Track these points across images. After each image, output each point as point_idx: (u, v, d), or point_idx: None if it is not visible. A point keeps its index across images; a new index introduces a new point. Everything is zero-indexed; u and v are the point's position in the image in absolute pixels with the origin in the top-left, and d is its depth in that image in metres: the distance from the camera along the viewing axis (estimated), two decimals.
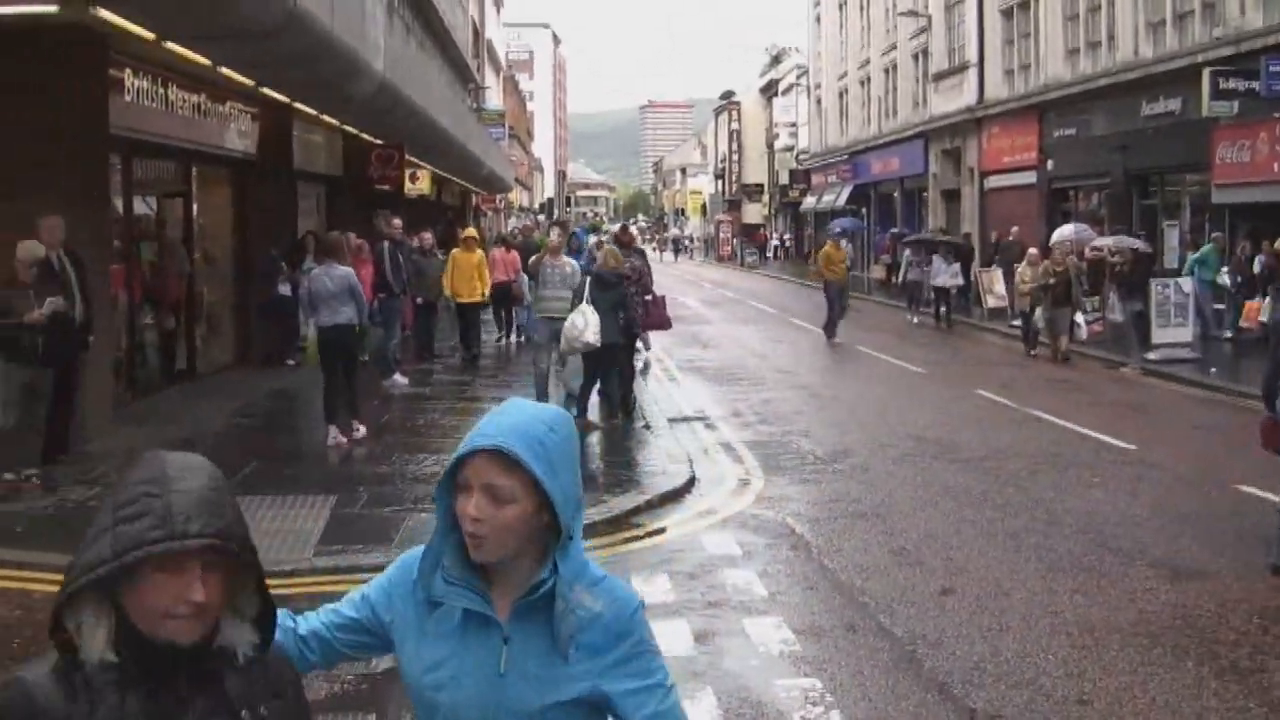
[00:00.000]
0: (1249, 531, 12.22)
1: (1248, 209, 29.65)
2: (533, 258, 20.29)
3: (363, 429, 16.70)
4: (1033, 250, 30.23)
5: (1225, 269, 28.47)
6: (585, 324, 17.03)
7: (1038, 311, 28.02)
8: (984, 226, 45.82)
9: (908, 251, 41.54)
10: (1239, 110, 28.16)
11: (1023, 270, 29.19)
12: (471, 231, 25.46)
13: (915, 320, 37.66)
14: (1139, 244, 30.79)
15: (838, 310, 32.31)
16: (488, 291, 25.58)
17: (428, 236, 26.52)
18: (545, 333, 18.44)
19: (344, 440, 16.25)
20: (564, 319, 17.61)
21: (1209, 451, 16.90)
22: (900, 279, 40.98)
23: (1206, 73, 28.30)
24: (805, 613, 9.78)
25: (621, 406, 18.56)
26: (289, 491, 13.28)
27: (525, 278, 25.38)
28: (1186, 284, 26.71)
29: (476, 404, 19.85)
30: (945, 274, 35.82)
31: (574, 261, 19.28)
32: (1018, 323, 33.15)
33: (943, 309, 35.97)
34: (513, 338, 29.11)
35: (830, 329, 32.00)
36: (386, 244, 22.78)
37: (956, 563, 11.17)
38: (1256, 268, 27.28)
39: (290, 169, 25.35)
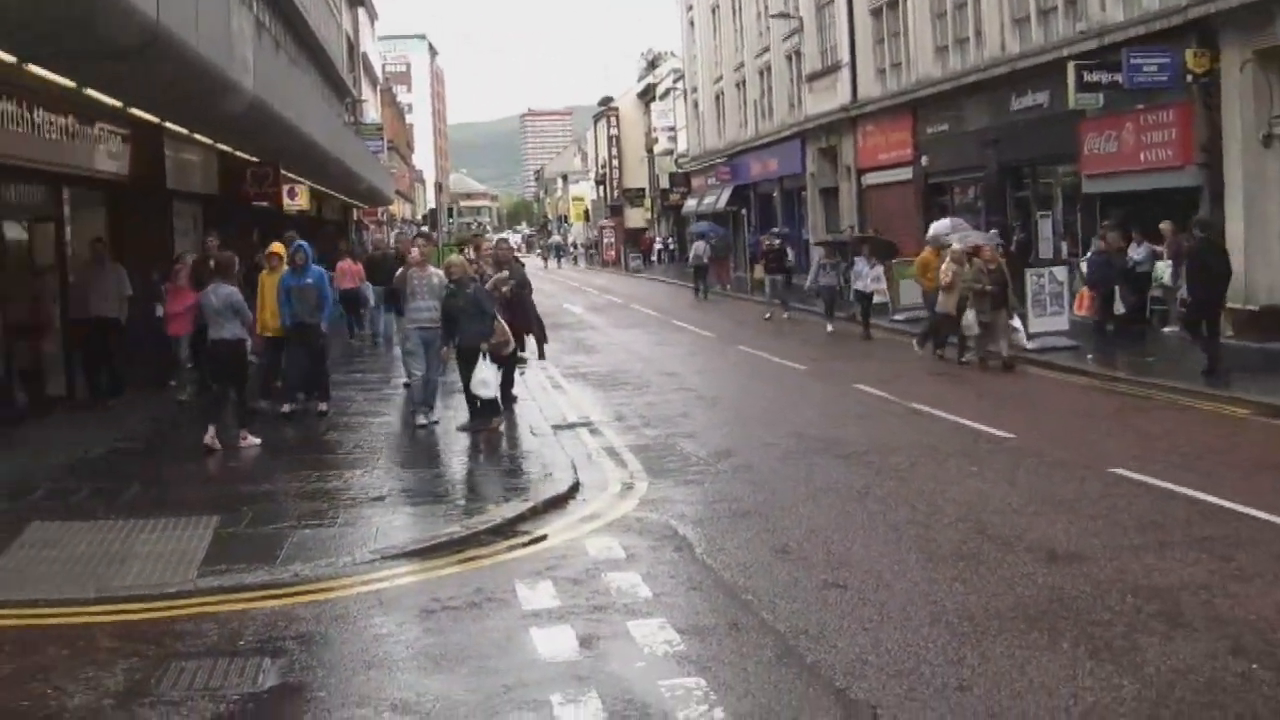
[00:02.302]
0: (1123, 512, 12.49)
1: (1117, 198, 30.18)
2: (399, 270, 20.32)
3: (255, 440, 17.29)
4: (956, 246, 27.38)
5: (1085, 259, 28.75)
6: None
7: (968, 316, 24.98)
8: (862, 224, 46.26)
9: (820, 253, 37.11)
10: (1104, 102, 28.63)
11: (946, 267, 26.31)
12: (278, 248, 21.19)
13: (831, 329, 33.40)
14: (986, 237, 30.82)
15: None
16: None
17: None
18: (416, 341, 18.93)
19: (216, 443, 16.90)
20: (434, 328, 18.64)
21: (1085, 436, 17.16)
22: (812, 283, 35.88)
23: (1071, 66, 28.75)
24: (689, 612, 9.82)
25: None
26: (171, 514, 13.14)
27: (369, 285, 30.98)
28: (1061, 273, 27.11)
29: (361, 419, 19.80)
30: (868, 277, 32.58)
31: (440, 273, 19.42)
32: (899, 317, 33.47)
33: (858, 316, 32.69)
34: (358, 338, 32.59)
35: (938, 340, 27.25)
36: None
37: (839, 557, 11.27)
38: (1139, 255, 27.58)
39: (164, 189, 25.07)
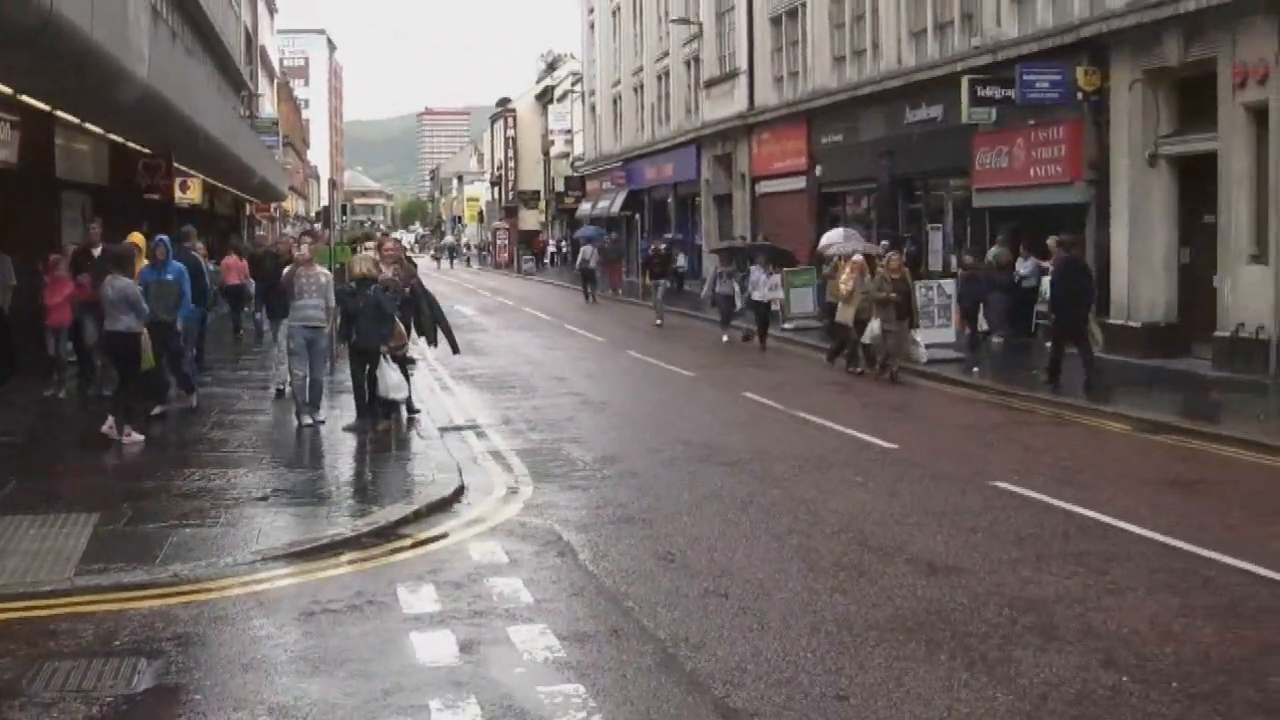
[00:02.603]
0: (1002, 525, 12.64)
1: (1007, 212, 30.58)
2: (286, 268, 20.06)
3: (138, 436, 17.15)
4: (857, 256, 26.84)
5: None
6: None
7: (873, 325, 24.35)
8: (755, 231, 46.48)
9: (717, 261, 36.96)
10: (997, 117, 29.00)
11: (846, 277, 25.79)
12: (137, 239, 19.74)
13: (727, 339, 32.98)
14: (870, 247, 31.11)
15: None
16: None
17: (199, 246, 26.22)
18: (300, 340, 18.69)
19: (115, 433, 16.88)
20: (319, 328, 18.66)
21: (968, 449, 17.37)
22: (708, 291, 35.71)
23: (965, 80, 29.12)
24: (570, 619, 9.82)
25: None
26: (50, 510, 12.95)
27: (252, 282, 30.58)
28: (949, 285, 27.37)
29: (247, 416, 19.60)
30: (765, 286, 31.67)
31: (326, 272, 19.48)
32: (789, 326, 33.57)
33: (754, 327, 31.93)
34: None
35: (837, 350, 26.96)
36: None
37: (720, 565, 11.31)
38: (1026, 270, 27.96)
39: (53, 179, 24.71)
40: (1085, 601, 10.06)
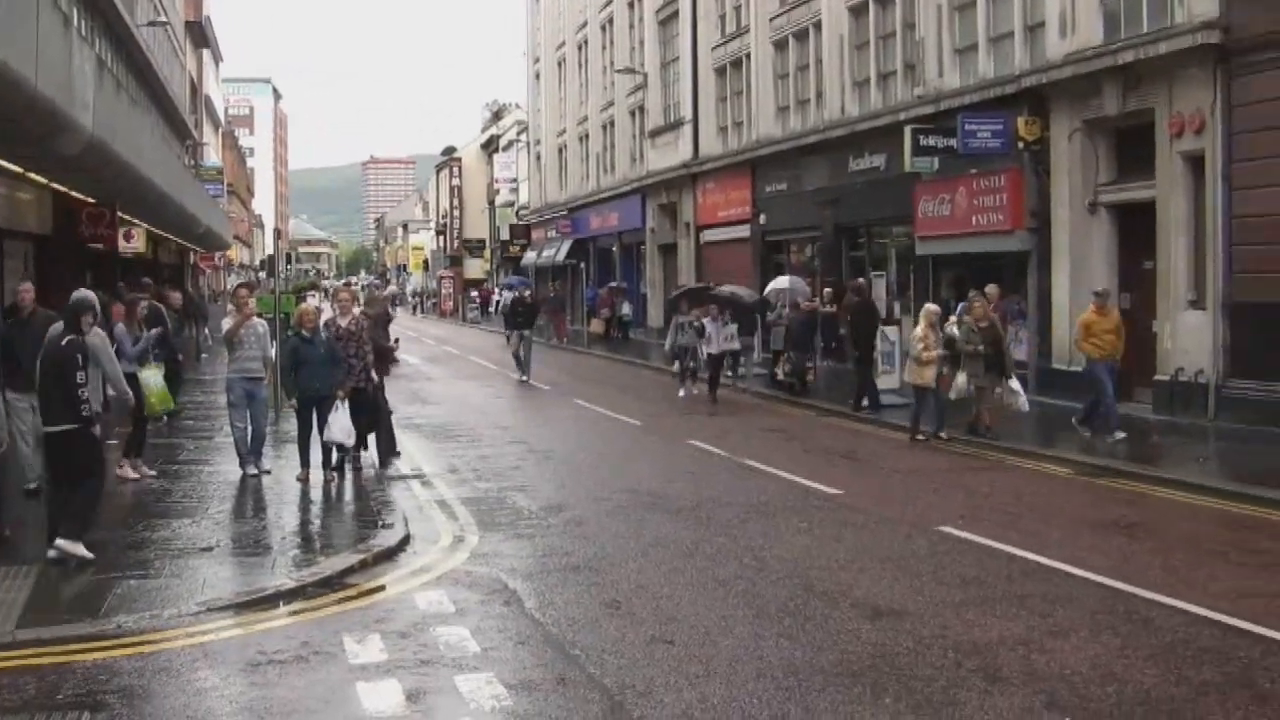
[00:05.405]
0: (946, 569, 12.71)
1: (949, 260, 30.81)
2: (230, 322, 19.77)
3: (150, 471, 18.54)
4: (931, 306, 23.96)
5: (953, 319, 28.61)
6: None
7: (959, 381, 22.24)
8: (700, 279, 46.62)
9: (679, 311, 33.92)
10: (939, 166, 29.24)
11: (922, 332, 22.63)
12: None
13: (683, 394, 31.52)
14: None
15: (1113, 398, 21.97)
16: None
17: (176, 295, 26.13)
18: (240, 391, 18.65)
19: (132, 475, 18.14)
20: (260, 379, 18.91)
21: (912, 494, 17.43)
22: (669, 344, 33.80)
23: (908, 130, 29.35)
24: (517, 667, 9.81)
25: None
26: None
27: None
28: (892, 332, 27.43)
29: (191, 467, 19.50)
30: (720, 337, 30.70)
31: (264, 323, 19.68)
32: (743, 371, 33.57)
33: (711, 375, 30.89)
34: None
35: (1111, 422, 21.73)
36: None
37: (666, 612, 11.32)
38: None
39: None
40: (1029, 644, 10.13)
